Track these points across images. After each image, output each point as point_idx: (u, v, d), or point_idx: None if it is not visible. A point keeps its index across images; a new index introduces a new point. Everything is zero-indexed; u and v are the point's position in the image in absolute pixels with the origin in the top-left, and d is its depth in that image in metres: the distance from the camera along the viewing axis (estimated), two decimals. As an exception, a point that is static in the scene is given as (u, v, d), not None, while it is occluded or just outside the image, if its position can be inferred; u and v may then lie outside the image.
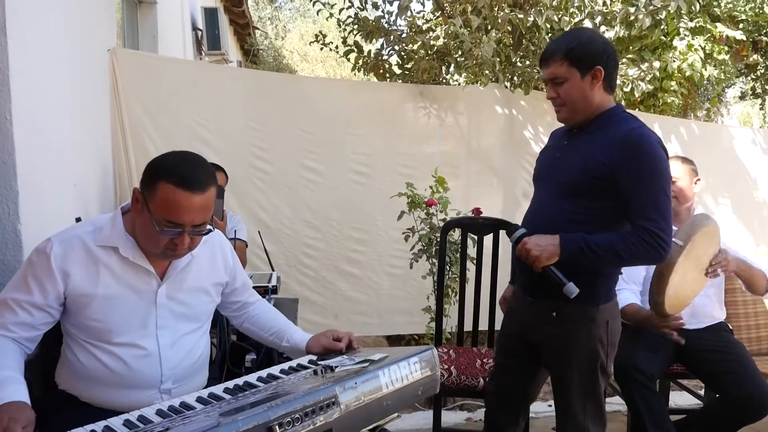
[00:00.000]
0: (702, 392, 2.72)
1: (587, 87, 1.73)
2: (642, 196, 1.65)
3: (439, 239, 2.80)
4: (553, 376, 1.86)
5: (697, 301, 2.36)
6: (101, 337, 1.46)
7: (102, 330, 1.46)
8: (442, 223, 3.11)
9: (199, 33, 6.28)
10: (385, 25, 4.30)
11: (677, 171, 2.43)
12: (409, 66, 4.33)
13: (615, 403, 3.03)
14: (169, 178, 1.37)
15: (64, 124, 2.39)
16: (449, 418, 3.01)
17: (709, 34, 4.67)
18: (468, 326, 2.68)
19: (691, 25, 4.53)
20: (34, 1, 2.09)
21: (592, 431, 1.79)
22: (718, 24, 4.80)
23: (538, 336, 1.83)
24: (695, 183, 2.47)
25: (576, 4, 3.82)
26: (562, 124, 1.89)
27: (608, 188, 1.68)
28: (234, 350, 2.14)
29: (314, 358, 1.62)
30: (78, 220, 2.25)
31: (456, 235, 3.15)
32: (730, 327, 2.57)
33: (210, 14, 6.23)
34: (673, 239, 1.91)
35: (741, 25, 5.35)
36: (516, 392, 1.97)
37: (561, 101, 1.76)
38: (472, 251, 2.82)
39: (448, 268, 3.12)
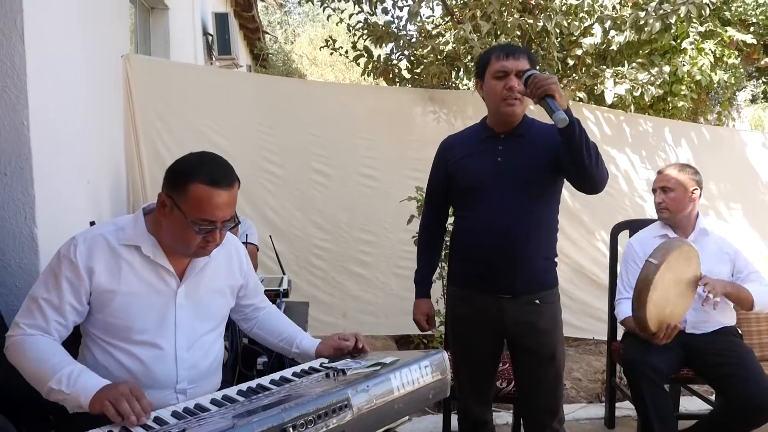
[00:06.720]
0: (713, 397, 2.71)
1: None
2: None
3: (448, 244, 2.80)
4: (539, 359, 1.97)
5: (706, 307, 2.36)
6: (121, 335, 1.49)
7: (122, 327, 1.49)
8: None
9: (210, 38, 6.33)
10: (395, 30, 4.31)
11: (670, 181, 2.45)
12: (418, 71, 4.33)
13: (625, 408, 3.02)
14: (199, 179, 1.41)
15: (78, 129, 2.42)
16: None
17: (719, 38, 4.64)
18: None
19: (702, 29, 4.51)
20: (50, 9, 2.13)
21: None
22: (728, 28, 4.77)
23: (521, 328, 1.96)
24: (692, 192, 2.45)
25: (585, 9, 3.82)
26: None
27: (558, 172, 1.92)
28: (246, 353, 2.16)
29: (325, 361, 1.63)
30: (92, 223, 2.28)
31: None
32: (740, 332, 2.55)
33: (220, 19, 6.28)
34: (648, 259, 2.12)
35: (752, 29, 5.32)
36: (487, 382, 2.13)
37: (520, 94, 1.87)
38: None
39: (457, 272, 3.11)
